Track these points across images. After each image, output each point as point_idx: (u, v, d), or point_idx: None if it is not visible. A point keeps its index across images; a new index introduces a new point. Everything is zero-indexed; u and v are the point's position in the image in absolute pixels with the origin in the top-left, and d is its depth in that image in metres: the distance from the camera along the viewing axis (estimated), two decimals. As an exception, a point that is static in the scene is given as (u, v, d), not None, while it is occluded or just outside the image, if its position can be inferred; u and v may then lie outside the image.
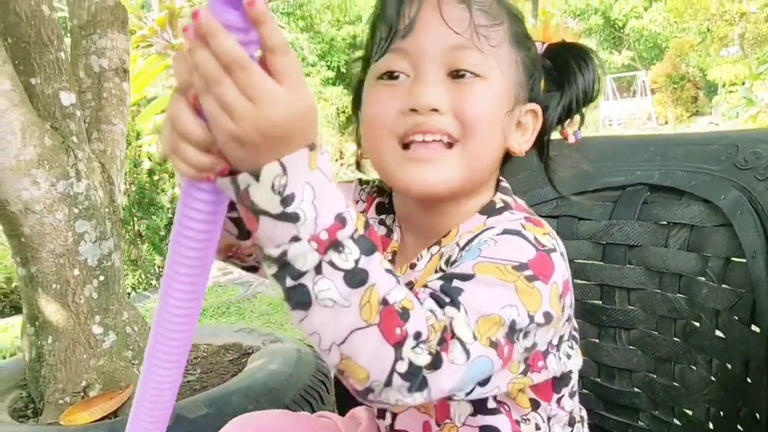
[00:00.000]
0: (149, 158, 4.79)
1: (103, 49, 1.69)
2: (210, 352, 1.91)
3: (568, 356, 0.73)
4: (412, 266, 0.75)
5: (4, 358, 3.19)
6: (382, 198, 0.83)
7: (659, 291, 0.94)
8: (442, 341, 0.55)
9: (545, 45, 0.79)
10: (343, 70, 14.13)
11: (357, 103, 0.79)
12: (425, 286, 0.61)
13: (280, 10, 14.03)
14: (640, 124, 17.26)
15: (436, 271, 0.71)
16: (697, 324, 0.90)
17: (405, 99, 0.69)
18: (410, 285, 0.71)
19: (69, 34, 1.73)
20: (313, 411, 1.44)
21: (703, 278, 0.88)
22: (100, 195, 1.58)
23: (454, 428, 0.72)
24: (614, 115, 17.30)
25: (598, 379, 1.03)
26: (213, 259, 0.57)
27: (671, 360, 0.94)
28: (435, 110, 0.68)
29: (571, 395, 0.76)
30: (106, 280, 1.58)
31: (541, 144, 0.79)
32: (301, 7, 14.84)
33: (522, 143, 0.76)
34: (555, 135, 0.82)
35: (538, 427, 0.72)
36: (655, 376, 0.96)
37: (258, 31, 0.47)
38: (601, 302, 1.01)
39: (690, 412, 0.92)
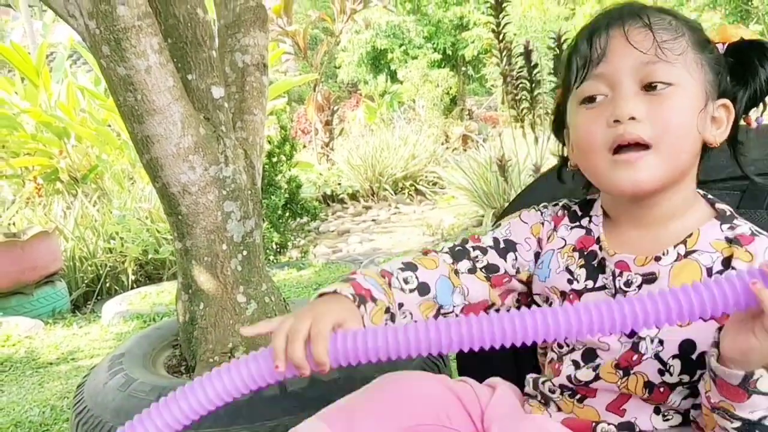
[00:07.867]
0: (268, 141, 5.05)
1: (246, 47, 1.85)
2: (335, 324, 2.06)
3: None
4: (657, 258, 0.84)
5: (145, 322, 3.55)
6: (574, 208, 0.96)
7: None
8: None
9: (725, 45, 0.87)
10: (449, 52, 14.05)
11: (559, 125, 0.94)
12: None
13: (387, -6, 14.14)
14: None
15: None
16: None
17: (608, 114, 0.81)
18: (651, 275, 0.83)
19: (216, 34, 1.91)
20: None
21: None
22: (243, 178, 1.75)
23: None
24: None
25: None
26: None
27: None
28: (633, 118, 0.79)
29: None
30: (248, 254, 1.76)
31: (733, 132, 0.88)
32: (409, -10, 14.88)
33: (718, 135, 0.86)
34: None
35: None
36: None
37: None
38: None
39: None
